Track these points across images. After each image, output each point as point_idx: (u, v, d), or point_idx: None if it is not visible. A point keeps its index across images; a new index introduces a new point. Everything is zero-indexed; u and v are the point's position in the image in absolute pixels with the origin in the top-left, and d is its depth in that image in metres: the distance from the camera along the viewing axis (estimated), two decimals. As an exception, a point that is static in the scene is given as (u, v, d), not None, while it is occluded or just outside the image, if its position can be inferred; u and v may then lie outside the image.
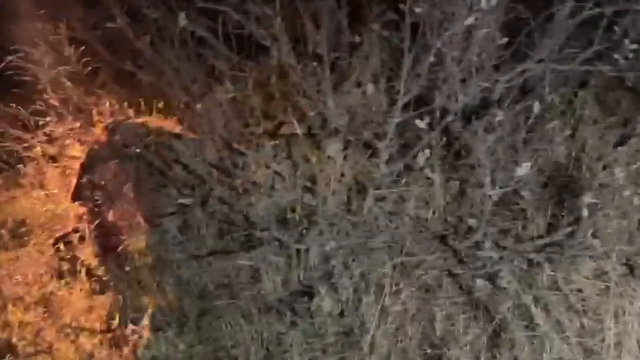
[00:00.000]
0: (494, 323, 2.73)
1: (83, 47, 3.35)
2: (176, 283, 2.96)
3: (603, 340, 2.67)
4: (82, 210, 3.21)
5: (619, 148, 2.90)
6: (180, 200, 3.07)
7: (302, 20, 3.08)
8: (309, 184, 3.00)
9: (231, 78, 3.10)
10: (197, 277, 2.96)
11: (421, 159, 2.86)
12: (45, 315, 2.89)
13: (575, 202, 2.81)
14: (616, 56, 2.87)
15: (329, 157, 2.98)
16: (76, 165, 3.33)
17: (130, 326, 2.84)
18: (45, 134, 3.38)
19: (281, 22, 2.98)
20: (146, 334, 2.83)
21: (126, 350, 2.80)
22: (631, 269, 2.78)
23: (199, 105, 2.99)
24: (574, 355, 2.66)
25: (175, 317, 2.87)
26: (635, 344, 2.64)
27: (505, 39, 2.91)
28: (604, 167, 2.87)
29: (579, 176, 2.93)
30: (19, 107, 3.31)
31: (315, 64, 2.99)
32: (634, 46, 2.83)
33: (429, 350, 2.74)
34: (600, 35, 2.90)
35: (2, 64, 3.24)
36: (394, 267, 2.83)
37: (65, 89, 3.39)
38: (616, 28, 2.89)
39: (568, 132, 3.01)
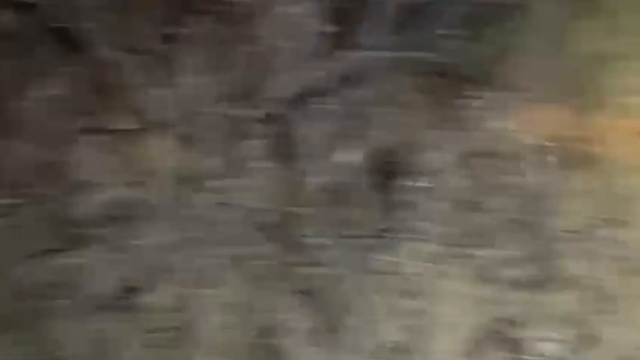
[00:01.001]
0: (328, 310, 2.75)
1: None
2: (4, 284, 2.87)
3: (433, 320, 2.72)
4: None
5: (443, 132, 2.95)
6: (4, 201, 2.98)
7: (129, 11, 3.02)
8: (138, 179, 2.95)
9: (55, 73, 3.01)
10: (27, 277, 2.88)
11: (251, 149, 2.86)
12: None
13: (405, 186, 2.86)
14: (442, 43, 2.92)
15: (157, 151, 2.94)
16: None
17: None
18: None
19: (107, 13, 2.92)
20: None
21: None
22: (457, 250, 2.84)
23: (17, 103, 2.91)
24: (407, 337, 2.70)
25: (3, 319, 2.79)
26: (458, 324, 2.70)
27: (334, 27, 2.93)
28: (431, 152, 2.92)
29: (408, 161, 2.97)
30: None
31: (142, 56, 2.94)
32: (455, 32, 2.89)
33: (263, 341, 2.74)
34: (428, 22, 2.95)
35: None
36: (227, 258, 2.81)
37: None
38: (441, 15, 2.94)
39: (397, 117, 3.04)
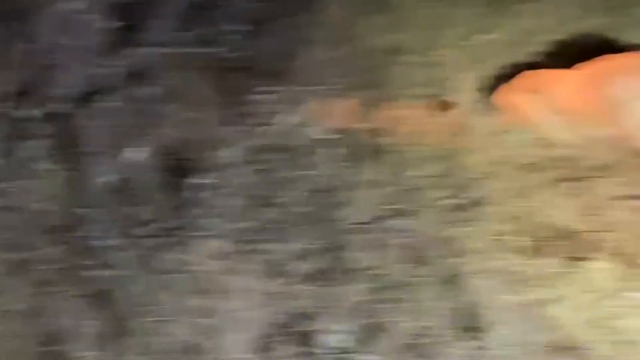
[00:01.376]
0: (116, 312, 2.69)
1: None
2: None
3: (224, 318, 2.71)
4: None
5: (233, 127, 2.95)
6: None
7: None
8: None
9: None
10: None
11: (33, 150, 2.77)
12: None
13: (195, 183, 2.83)
14: (231, 38, 2.92)
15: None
16: None
17: None
18: None
19: None
20: None
21: None
22: (248, 246, 2.83)
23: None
24: (197, 337, 2.68)
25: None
26: (249, 320, 2.70)
27: (119, 23, 2.87)
28: (221, 148, 2.91)
29: (196, 158, 2.94)
30: None
31: None
32: (232, 27, 2.89)
33: (50, 348, 2.65)
34: (216, 17, 2.93)
35: None
36: (9, 263, 2.71)
37: None
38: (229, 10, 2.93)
39: (186, 114, 3.01)
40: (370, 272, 2.74)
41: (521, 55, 4.47)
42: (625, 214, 2.97)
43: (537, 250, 2.74)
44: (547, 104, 3.58)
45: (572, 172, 3.30)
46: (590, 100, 3.57)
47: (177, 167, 2.90)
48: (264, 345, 2.65)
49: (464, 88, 3.94)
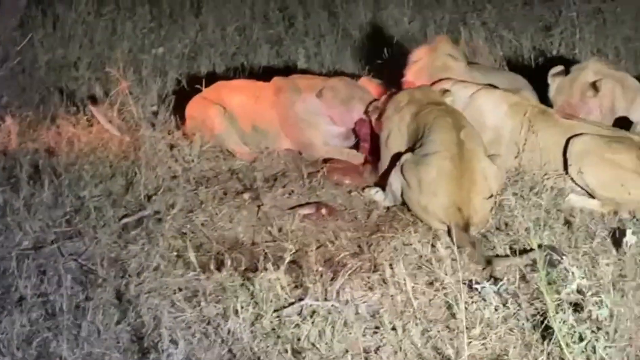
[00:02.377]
0: None
1: None
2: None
3: None
4: None
5: None
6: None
7: None
8: None
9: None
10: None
11: None
12: None
13: None
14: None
15: None
16: None
17: None
18: None
19: None
20: None
21: None
22: None
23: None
24: None
25: None
26: None
27: None
28: None
29: None
30: None
31: None
32: None
33: None
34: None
35: None
36: None
37: None
38: None
39: None
40: (40, 299, 2.58)
41: (197, 66, 4.52)
42: (298, 223, 3.04)
43: (213, 264, 2.72)
44: (227, 115, 3.59)
45: (247, 183, 3.33)
46: (274, 114, 3.64)
47: None
48: None
49: (143, 103, 3.89)
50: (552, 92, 3.56)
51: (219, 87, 3.80)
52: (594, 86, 3.45)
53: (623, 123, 3.45)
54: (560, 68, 3.58)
